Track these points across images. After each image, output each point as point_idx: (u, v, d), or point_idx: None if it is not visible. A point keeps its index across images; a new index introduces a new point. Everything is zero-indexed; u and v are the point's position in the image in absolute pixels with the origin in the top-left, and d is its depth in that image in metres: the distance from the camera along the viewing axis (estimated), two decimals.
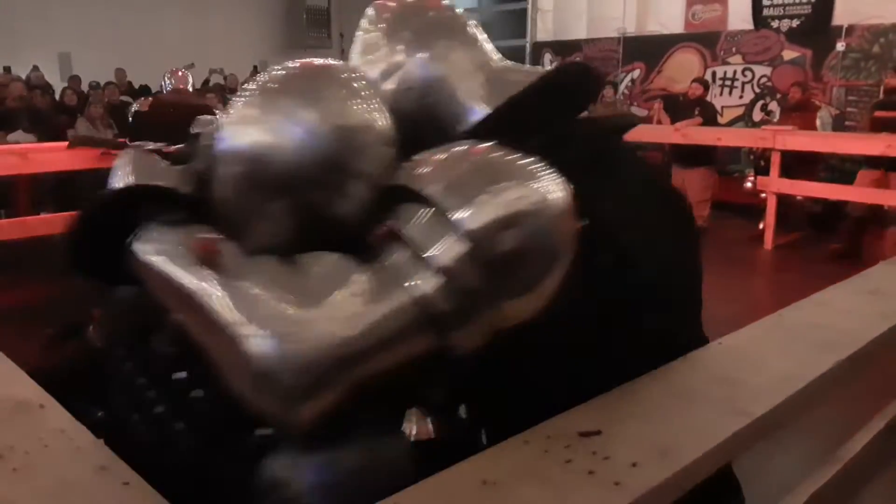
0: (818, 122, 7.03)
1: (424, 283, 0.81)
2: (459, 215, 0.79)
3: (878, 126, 5.98)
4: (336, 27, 12.49)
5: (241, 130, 0.94)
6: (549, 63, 10.29)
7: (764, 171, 6.55)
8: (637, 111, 9.02)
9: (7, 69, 8.69)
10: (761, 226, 6.72)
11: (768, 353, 1.10)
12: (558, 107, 0.97)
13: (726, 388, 0.97)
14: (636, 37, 9.17)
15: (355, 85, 0.96)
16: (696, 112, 7.10)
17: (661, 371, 1.03)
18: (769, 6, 7.94)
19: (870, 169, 6.04)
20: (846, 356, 1.06)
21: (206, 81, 9.76)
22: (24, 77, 8.37)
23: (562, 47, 10.11)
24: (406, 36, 1.06)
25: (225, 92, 9.02)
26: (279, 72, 0.98)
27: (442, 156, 0.88)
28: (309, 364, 0.75)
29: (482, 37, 1.10)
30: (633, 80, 9.32)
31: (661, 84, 8.99)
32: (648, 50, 9.07)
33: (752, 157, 7.23)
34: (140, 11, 10.19)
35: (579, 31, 9.83)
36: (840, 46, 7.51)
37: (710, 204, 7.26)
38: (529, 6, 10.46)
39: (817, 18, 7.61)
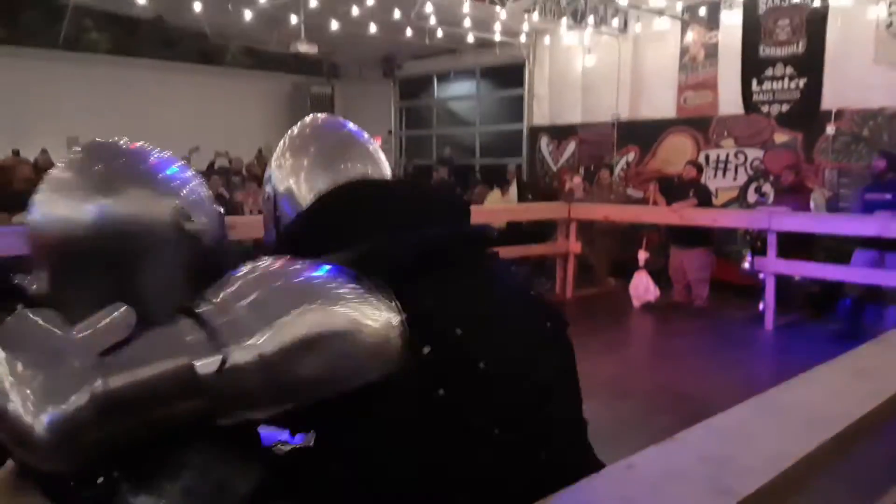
0: (812, 204, 7.15)
1: (204, 367, 0.81)
2: (254, 341, 0.82)
3: (869, 208, 6.09)
4: (339, 112, 12.87)
5: (47, 203, 0.95)
6: (545, 146, 10.57)
7: (761, 251, 6.62)
8: (633, 193, 9.19)
9: (16, 152, 8.93)
10: (761, 306, 6.74)
11: (756, 432, 1.09)
12: (363, 220, 1.02)
13: (714, 468, 0.96)
14: (630, 122, 9.45)
15: (160, 175, 0.97)
16: (691, 194, 7.24)
17: (650, 451, 1.03)
18: (758, 92, 8.20)
19: (865, 249, 6.10)
20: (833, 435, 1.06)
21: (212, 164, 9.99)
22: (32, 160, 8.59)
23: (557, 131, 10.40)
24: (310, 152, 1.16)
25: (230, 175, 9.22)
26: (102, 147, 0.99)
27: (249, 277, 0.90)
28: (55, 423, 0.75)
29: (380, 157, 1.21)
30: (627, 163, 9.54)
31: (656, 166, 9.19)
32: (642, 134, 9.31)
33: (748, 237, 7.31)
34: (147, 97, 10.55)
35: (574, 116, 10.12)
36: (830, 130, 7.71)
37: (708, 284, 7.30)
38: (526, 93, 10.83)
39: (806, 103, 7.84)
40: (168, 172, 0.98)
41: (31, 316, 0.87)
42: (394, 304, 0.89)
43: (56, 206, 0.93)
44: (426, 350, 0.91)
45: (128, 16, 9.99)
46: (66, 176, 0.96)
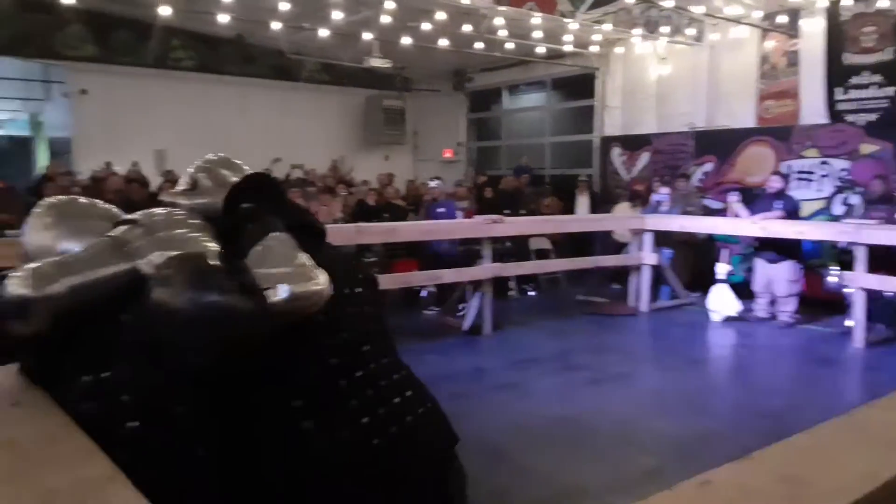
0: None
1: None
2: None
3: None
4: (410, 125, 13.10)
5: None
6: (617, 156, 10.41)
7: (849, 265, 6.33)
8: (711, 203, 8.91)
9: (108, 164, 9.44)
10: (848, 322, 6.43)
11: (838, 452, 1.05)
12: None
13: (791, 488, 0.94)
14: (707, 131, 9.21)
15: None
16: (780, 206, 6.98)
17: (727, 468, 1.00)
18: (843, 100, 7.86)
19: None
20: None
21: (287, 176, 10.30)
22: (124, 172, 9.08)
23: (630, 141, 10.24)
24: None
25: (305, 185, 9.49)
26: None
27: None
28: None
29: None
30: (705, 173, 9.28)
31: (735, 177, 8.92)
32: (720, 143, 9.05)
33: (834, 250, 7.01)
34: (229, 112, 10.98)
35: (649, 126, 9.95)
36: None
37: (797, 299, 7.00)
38: (597, 103, 10.71)
39: None
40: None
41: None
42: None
43: None
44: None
45: (210, 34, 10.45)
46: None
